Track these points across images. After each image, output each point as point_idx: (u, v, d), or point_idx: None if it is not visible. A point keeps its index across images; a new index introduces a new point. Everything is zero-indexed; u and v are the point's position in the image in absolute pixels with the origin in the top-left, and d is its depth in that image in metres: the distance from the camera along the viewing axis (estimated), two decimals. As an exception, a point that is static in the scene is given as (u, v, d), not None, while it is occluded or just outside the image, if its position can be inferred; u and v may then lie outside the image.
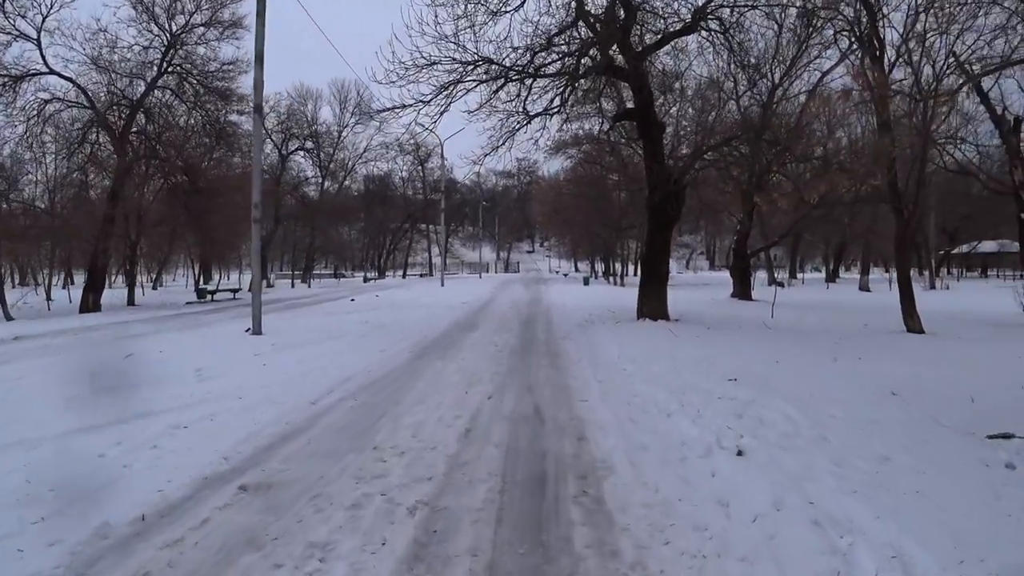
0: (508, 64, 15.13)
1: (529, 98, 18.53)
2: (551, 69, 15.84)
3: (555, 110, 18.65)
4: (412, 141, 71.25)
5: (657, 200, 16.95)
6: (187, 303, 30.43)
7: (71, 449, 6.20)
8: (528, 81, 15.64)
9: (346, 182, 75.78)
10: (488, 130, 18.16)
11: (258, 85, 15.23)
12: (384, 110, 13.64)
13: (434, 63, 13.65)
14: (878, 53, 15.16)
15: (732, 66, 20.18)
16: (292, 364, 11.12)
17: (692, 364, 10.33)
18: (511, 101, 16.10)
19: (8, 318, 23.35)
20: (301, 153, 50.98)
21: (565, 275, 77.14)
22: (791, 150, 17.81)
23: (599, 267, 69.57)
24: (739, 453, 5.79)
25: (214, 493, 5.07)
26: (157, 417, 7.40)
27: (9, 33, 24.82)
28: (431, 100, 14.04)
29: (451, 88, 14.28)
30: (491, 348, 12.62)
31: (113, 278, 63.99)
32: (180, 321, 20.40)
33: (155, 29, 27.91)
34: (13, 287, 34.00)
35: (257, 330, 15.41)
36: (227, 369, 10.73)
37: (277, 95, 48.95)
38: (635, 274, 48.44)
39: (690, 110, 25.88)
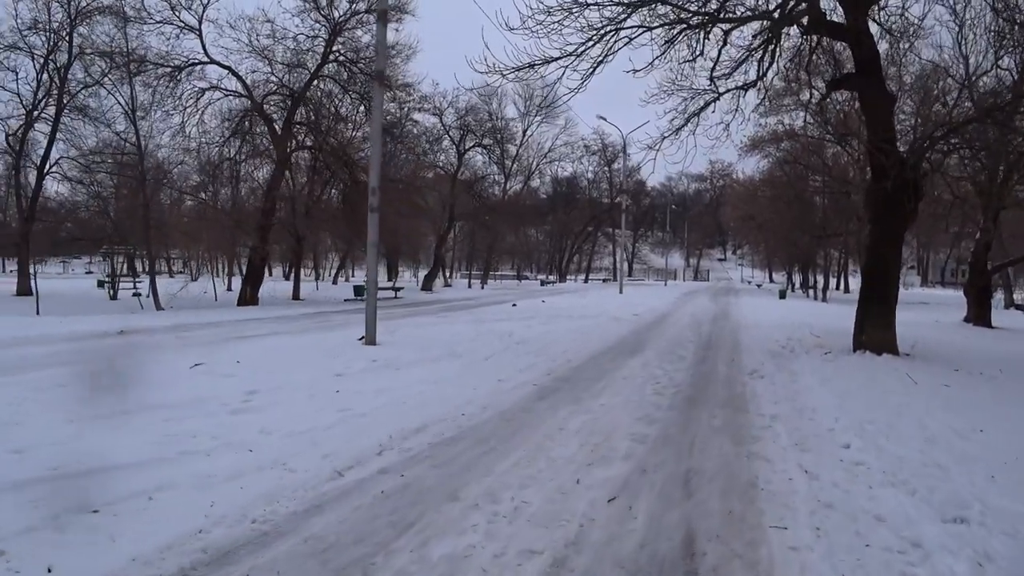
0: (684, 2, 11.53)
1: (717, 68, 15.03)
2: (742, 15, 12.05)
3: (751, 83, 15.06)
4: (596, 138, 68.60)
5: (888, 190, 12.61)
6: (345, 300, 29.00)
7: None
8: (710, 30, 11.95)
9: (533, 183, 74.23)
10: (670, 112, 14.68)
11: (381, 47, 12.68)
12: (519, 67, 10.50)
13: (587, 2, 10.30)
14: None
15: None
16: (370, 394, 8.26)
17: (958, 442, 6.37)
18: (688, 61, 12.50)
19: (158, 308, 22.62)
20: (479, 150, 49.06)
21: (758, 286, 70.99)
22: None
23: (796, 278, 63.13)
24: None
25: None
26: (103, 477, 4.75)
27: (177, 26, 24.49)
28: (581, 51, 10.67)
29: (607, 35, 10.80)
30: (648, 388, 9.11)
31: (305, 271, 66.04)
32: (311, 321, 18.40)
33: (316, 16, 26.68)
34: (171, 276, 34.11)
35: (370, 339, 12.81)
36: (283, 396, 8.09)
37: (455, 90, 47.45)
38: (839, 288, 42.73)
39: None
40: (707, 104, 15.33)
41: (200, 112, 25.36)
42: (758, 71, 14.82)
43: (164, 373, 9.47)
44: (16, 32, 27.58)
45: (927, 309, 32.03)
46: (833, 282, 45.86)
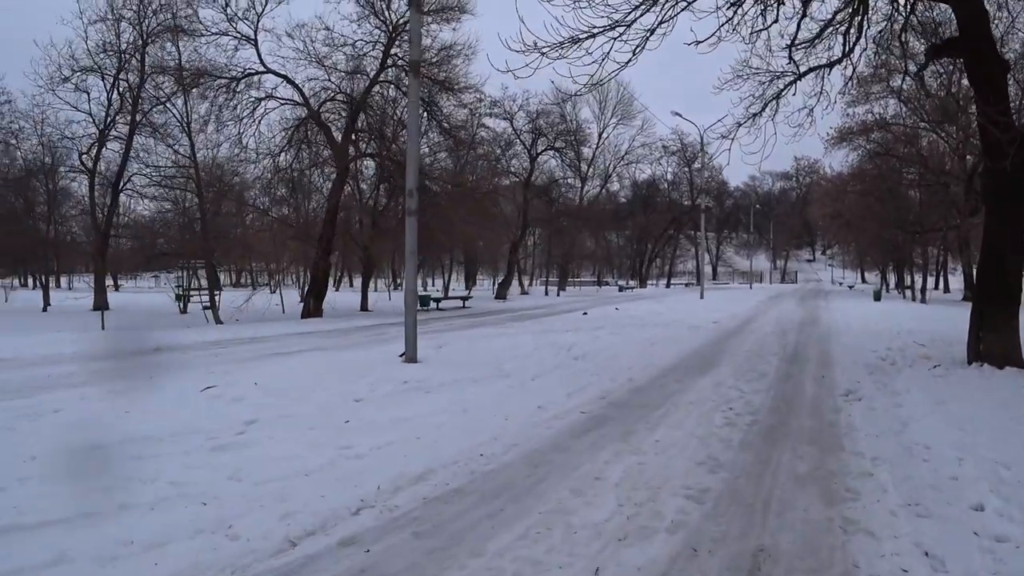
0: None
1: (796, 46, 13.49)
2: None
3: (836, 60, 13.47)
4: (675, 139, 66.37)
5: (1007, 171, 10.64)
6: (412, 310, 28.06)
7: None
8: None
9: (612, 186, 72.43)
10: (746, 99, 13.28)
11: (414, 34, 11.47)
12: (561, 43, 9.04)
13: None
14: None
15: None
16: (383, 426, 7.05)
17: None
18: (759, 31, 10.90)
19: (217, 322, 22.12)
20: (552, 153, 47.70)
21: (850, 287, 67.27)
22: None
23: (890, 278, 59.50)
24: None
25: None
26: None
27: (234, 37, 24.16)
28: (631, 20, 9.13)
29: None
30: (718, 416, 7.55)
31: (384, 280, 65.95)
32: (364, 335, 17.42)
33: (375, 22, 25.89)
34: (253, 288, 33.87)
35: (411, 356, 11.60)
36: (282, 428, 7.00)
37: (525, 92, 46.31)
38: (937, 287, 39.55)
39: None
40: (787, 86, 13.87)
41: (257, 123, 24.90)
42: (844, 46, 13.16)
43: (168, 397, 8.45)
44: (88, 55, 27.93)
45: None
46: (931, 281, 42.47)
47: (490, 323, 21.13)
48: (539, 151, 46.69)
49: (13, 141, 34.33)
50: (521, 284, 56.30)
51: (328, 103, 26.27)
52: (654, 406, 8.10)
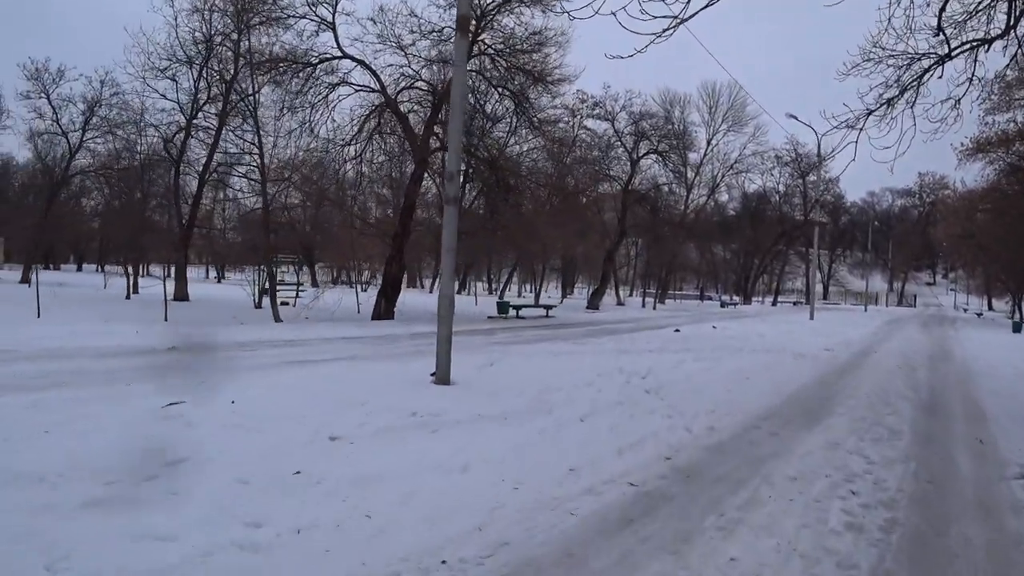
0: None
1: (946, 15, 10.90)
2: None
3: (997, 36, 10.43)
4: (789, 148, 62.33)
5: None
6: (488, 317, 26.03)
7: None
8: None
9: (720, 197, 68.82)
10: (877, 86, 11.03)
11: (466, -20, 9.36)
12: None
13: None
14: None
15: None
16: (341, 484, 5.04)
17: None
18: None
19: (277, 320, 20.67)
20: (654, 157, 44.85)
21: (978, 315, 61.44)
22: None
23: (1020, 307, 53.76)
24: None
25: None
26: None
27: (313, 20, 22.91)
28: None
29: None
30: (835, 509, 4.98)
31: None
32: (412, 344, 15.35)
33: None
34: (350, 285, 32.58)
35: (443, 377, 9.44)
36: (198, 478, 5.04)
37: (628, 92, 43.85)
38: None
39: None
40: (932, 66, 11.21)
41: (331, 110, 23.43)
42: (1009, 15, 10.41)
43: (117, 415, 6.63)
44: (180, 44, 27.43)
45: None
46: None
47: (565, 337, 18.79)
48: (641, 154, 44.06)
49: (120, 132, 34.77)
50: (617, 295, 53.53)
51: (407, 91, 24.53)
52: (737, 481, 5.64)
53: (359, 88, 23.63)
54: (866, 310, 59.79)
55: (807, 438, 7.29)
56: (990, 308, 73.55)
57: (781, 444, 7.00)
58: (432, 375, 9.73)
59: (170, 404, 7.32)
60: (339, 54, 23.34)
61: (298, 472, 5.29)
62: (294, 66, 22.97)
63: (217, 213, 41.39)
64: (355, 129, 23.45)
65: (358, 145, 23.55)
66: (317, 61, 23.29)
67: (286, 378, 9.52)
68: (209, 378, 9.18)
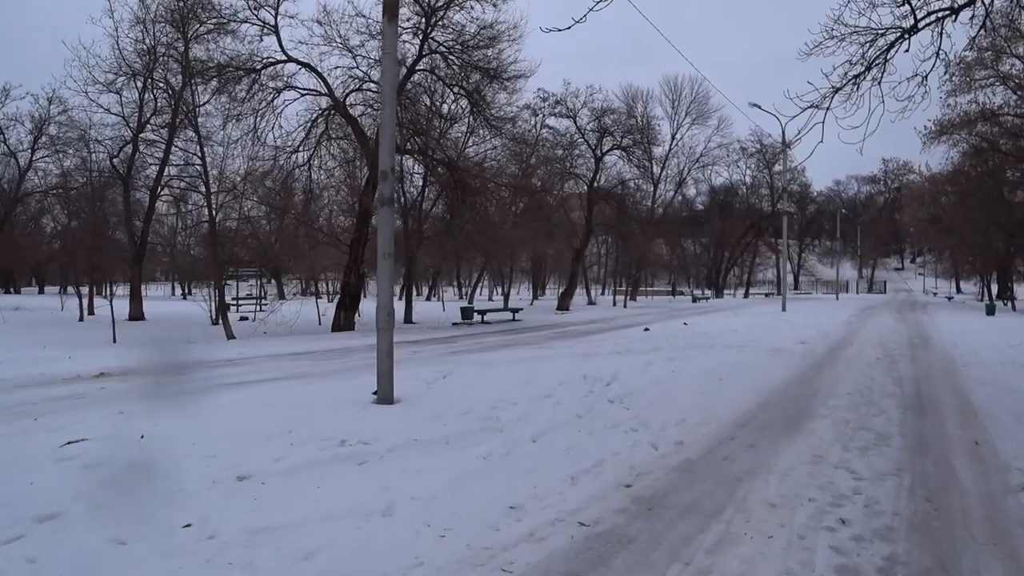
0: None
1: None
2: None
3: (964, 4, 9.95)
4: (753, 139, 62.10)
5: None
6: (453, 324, 25.11)
7: None
8: None
9: (687, 191, 68.50)
10: (842, 64, 10.43)
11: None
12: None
13: None
14: None
15: None
16: (229, 543, 4.18)
17: None
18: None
19: (229, 337, 19.67)
20: (618, 153, 44.13)
21: (949, 298, 61.51)
22: None
23: (990, 289, 53.85)
24: None
25: None
26: None
27: (256, 25, 21.99)
28: None
29: None
30: (822, 542, 4.15)
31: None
32: (366, 357, 14.34)
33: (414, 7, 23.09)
34: (315, 296, 31.52)
35: (385, 395, 8.54)
36: (45, 546, 4.00)
37: (589, 88, 43.19)
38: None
39: None
40: (896, 40, 10.63)
41: (277, 116, 22.45)
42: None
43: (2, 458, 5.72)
44: (121, 57, 26.27)
45: None
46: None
47: (529, 342, 17.94)
48: (605, 151, 43.29)
49: (70, 150, 33.44)
50: (588, 294, 52.76)
51: (356, 93, 23.61)
52: (708, 511, 4.80)
53: (305, 92, 22.67)
54: (838, 298, 59.60)
55: (787, 450, 6.49)
56: (958, 291, 73.87)
57: (759, 458, 6.18)
58: (374, 393, 8.83)
59: (69, 443, 6.42)
60: (283, 58, 22.40)
61: (189, 525, 4.42)
62: (237, 72, 21.98)
63: (181, 229, 40.12)
64: (303, 134, 22.45)
65: (306, 151, 22.54)
66: (261, 66, 22.33)
67: (213, 404, 8.57)
68: (129, 408, 8.23)
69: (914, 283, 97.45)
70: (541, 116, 42.21)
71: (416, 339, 18.95)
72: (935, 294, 74.27)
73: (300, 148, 22.53)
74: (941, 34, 10.53)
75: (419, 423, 7.37)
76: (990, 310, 32.09)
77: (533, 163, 38.76)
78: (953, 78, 32.94)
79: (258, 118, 22.28)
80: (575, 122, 42.37)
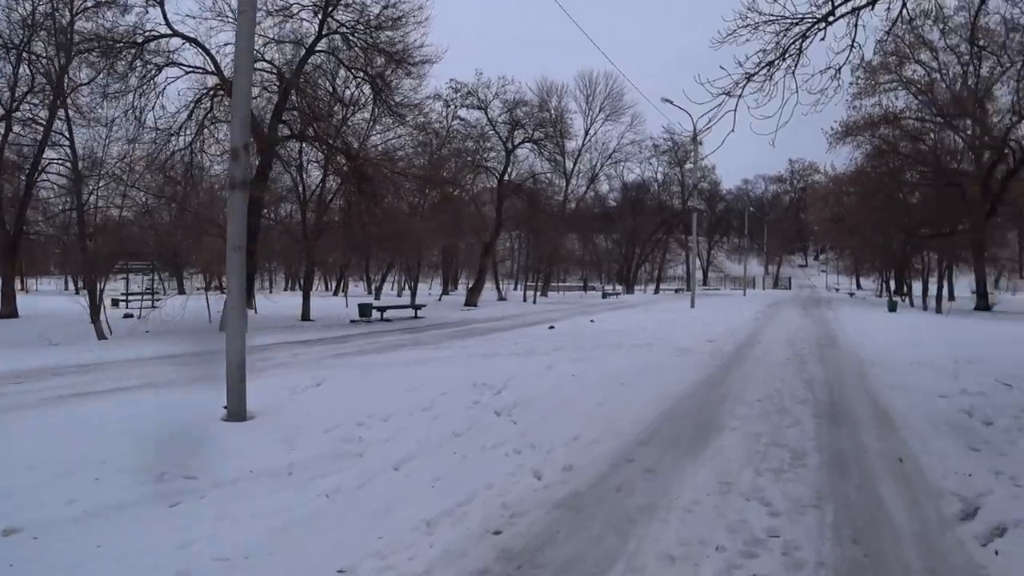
0: None
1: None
2: None
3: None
4: (666, 137, 62.43)
5: None
6: (351, 321, 23.69)
7: None
8: None
9: (601, 188, 68.46)
10: (756, 53, 10.07)
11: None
12: None
13: None
14: None
15: None
16: None
17: None
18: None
19: (100, 337, 17.87)
20: (529, 146, 43.25)
21: (850, 294, 63.15)
22: None
23: (889, 286, 55.35)
24: None
25: None
26: None
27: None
28: None
29: None
30: None
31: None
32: (252, 358, 12.98)
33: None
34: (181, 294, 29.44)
35: (236, 411, 7.27)
36: None
37: (502, 79, 42.16)
38: (940, 295, 35.38)
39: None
40: (813, 26, 10.18)
41: (159, 95, 20.63)
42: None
43: None
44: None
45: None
46: (944, 289, 38.22)
47: (427, 341, 16.75)
48: (516, 143, 42.30)
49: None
50: (498, 289, 51.78)
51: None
52: (591, 571, 3.79)
53: (190, 69, 20.88)
54: (745, 294, 60.45)
55: (692, 474, 5.55)
56: (859, 287, 76.29)
57: (659, 488, 5.21)
58: (225, 408, 7.55)
59: None
60: (168, 32, 20.57)
61: None
62: (117, 46, 20.06)
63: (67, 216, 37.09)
64: (186, 115, 20.67)
65: (188, 135, 20.76)
66: (143, 40, 20.44)
67: (26, 425, 7.14)
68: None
69: (817, 279, 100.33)
70: (453, 107, 41.07)
71: (305, 339, 17.52)
72: (837, 290, 76.43)
73: (182, 130, 20.70)
74: (856, 25, 10.19)
75: (265, 447, 6.17)
76: (892, 307, 32.54)
77: (444, 155, 37.55)
78: (859, 81, 33.61)
79: (137, 96, 20.43)
80: (486, 114, 41.31)
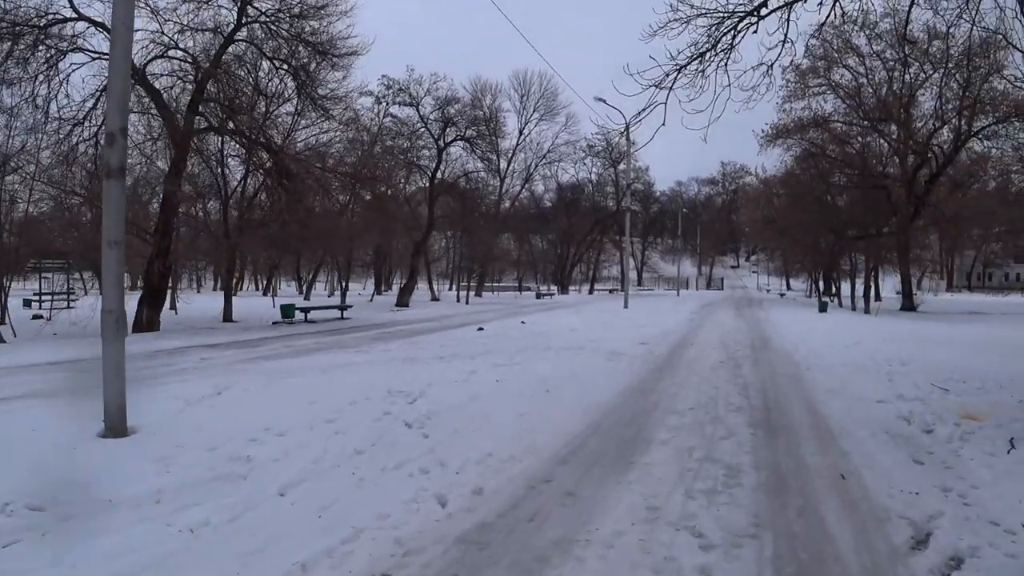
0: None
1: None
2: None
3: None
4: (600, 137, 62.37)
5: None
6: (273, 323, 22.61)
7: None
8: None
9: (536, 188, 68.16)
10: (688, 47, 9.84)
11: None
12: None
13: None
14: None
15: None
16: None
17: None
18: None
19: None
20: (461, 144, 42.52)
21: (781, 295, 64.14)
22: None
23: (818, 287, 56.29)
24: None
25: None
26: None
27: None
28: None
29: None
30: None
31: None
32: (140, 367, 11.93)
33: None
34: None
35: (115, 426, 6.40)
36: None
37: (434, 75, 41.42)
38: (867, 296, 36.06)
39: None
40: (744, 19, 9.80)
41: (63, 82, 19.22)
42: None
43: None
44: None
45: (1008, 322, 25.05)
46: (872, 291, 38.85)
47: (349, 344, 15.89)
48: (448, 141, 41.54)
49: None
50: (432, 289, 50.86)
51: (161, 61, 20.69)
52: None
53: (97, 55, 19.50)
54: (679, 295, 60.80)
55: (616, 499, 4.93)
56: (789, 287, 77.66)
57: (577, 517, 4.58)
58: (103, 422, 6.66)
59: None
60: (74, 15, 19.17)
61: None
62: (16, 28, 18.60)
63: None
64: (92, 104, 19.32)
65: (93, 125, 19.41)
66: (45, 24, 19.01)
67: None
68: None
69: (748, 280, 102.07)
70: (385, 104, 40.15)
71: (220, 342, 16.48)
72: (768, 291, 77.70)
73: (86, 120, 19.32)
74: (788, 20, 9.94)
75: (136, 469, 5.34)
76: (822, 307, 32.79)
77: (377, 153, 36.61)
78: (789, 84, 33.99)
79: (37, 83, 18.99)
80: (418, 111, 40.54)
